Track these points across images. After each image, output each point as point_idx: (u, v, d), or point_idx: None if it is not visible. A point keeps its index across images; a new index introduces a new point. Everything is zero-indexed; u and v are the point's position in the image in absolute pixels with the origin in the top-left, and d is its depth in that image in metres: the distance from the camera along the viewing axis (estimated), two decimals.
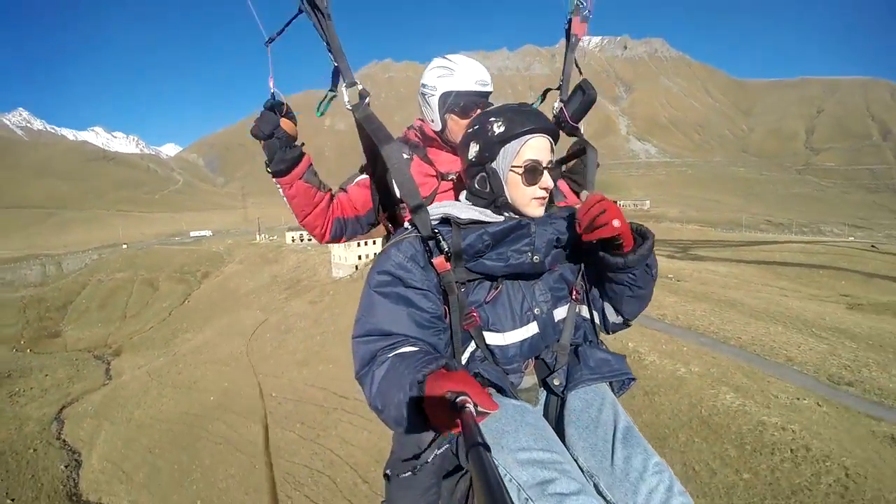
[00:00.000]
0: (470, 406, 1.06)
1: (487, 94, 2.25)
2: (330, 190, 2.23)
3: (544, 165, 1.74)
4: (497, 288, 1.78)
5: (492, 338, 1.79)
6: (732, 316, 20.43)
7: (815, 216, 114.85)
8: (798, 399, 13.78)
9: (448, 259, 1.69)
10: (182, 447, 18.47)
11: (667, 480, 1.51)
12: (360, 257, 44.14)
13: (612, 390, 1.95)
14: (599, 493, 1.55)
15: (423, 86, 2.25)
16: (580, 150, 2.27)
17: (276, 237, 71.55)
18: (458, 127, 2.17)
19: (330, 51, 1.90)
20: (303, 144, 2.06)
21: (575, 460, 1.64)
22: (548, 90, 2.61)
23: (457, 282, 1.73)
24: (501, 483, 0.75)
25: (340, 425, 16.85)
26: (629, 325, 2.05)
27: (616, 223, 1.64)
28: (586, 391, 1.85)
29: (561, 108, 2.39)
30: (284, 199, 2.11)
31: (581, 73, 2.47)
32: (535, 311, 1.82)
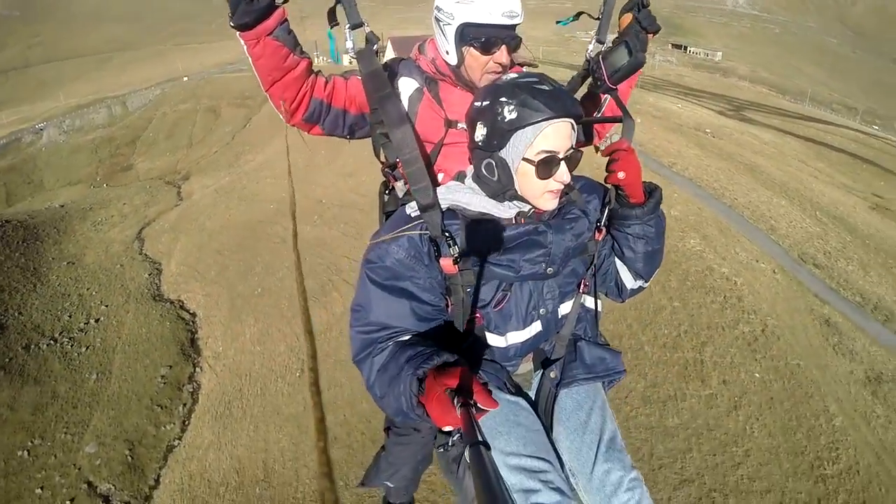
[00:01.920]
0: (471, 403, 1.10)
1: (514, 26, 2.01)
2: (308, 58, 2.02)
3: (561, 156, 1.66)
4: (506, 294, 1.80)
5: (493, 339, 1.84)
6: (744, 180, 20.09)
7: (892, 109, 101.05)
8: (756, 261, 14.49)
9: (456, 262, 1.67)
10: (246, 248, 20.95)
11: (637, 496, 1.65)
12: None
13: (603, 384, 2.08)
14: (574, 489, 1.74)
15: (438, 9, 2.01)
16: (616, 119, 2.04)
17: (329, 60, 71.62)
18: (476, 63, 2.02)
19: None
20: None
21: (559, 457, 1.79)
22: (582, 13, 2.37)
23: (462, 284, 1.72)
24: (501, 482, 0.77)
25: (377, 224, 18.75)
26: (644, 289, 2.12)
27: (621, 175, 1.76)
28: (579, 391, 1.96)
29: (599, 61, 2.12)
30: (248, 58, 1.91)
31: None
32: (541, 310, 1.87)
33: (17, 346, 17.54)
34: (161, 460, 13.68)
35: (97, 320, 19.45)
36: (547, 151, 1.63)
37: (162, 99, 62.00)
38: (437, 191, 1.78)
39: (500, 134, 1.63)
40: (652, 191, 1.91)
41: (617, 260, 2.07)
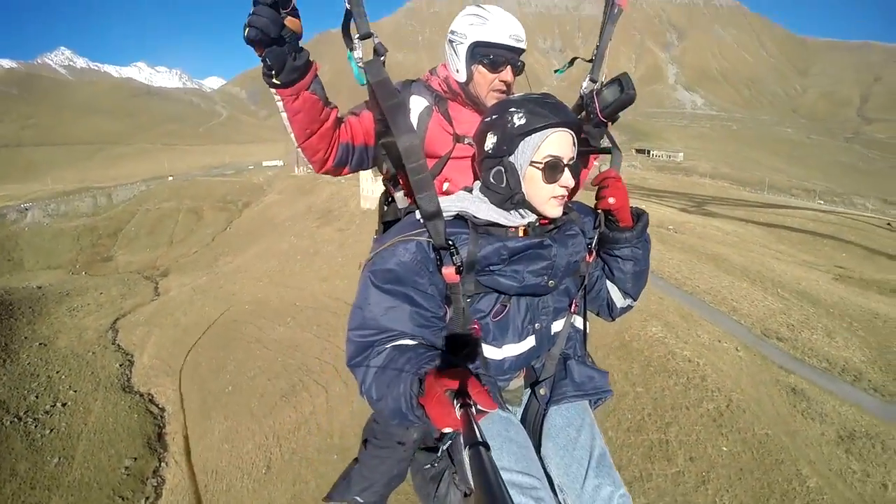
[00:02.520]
0: (471, 405, 1.09)
1: (520, 51, 2.08)
2: (336, 107, 2.02)
3: (566, 162, 1.70)
4: (505, 306, 1.81)
5: (489, 351, 1.83)
6: (705, 269, 21.04)
7: (854, 187, 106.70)
8: (719, 341, 14.74)
9: (459, 272, 1.65)
10: (220, 346, 21.70)
11: None
12: None
13: (590, 402, 2.09)
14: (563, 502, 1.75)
15: (453, 32, 2.11)
16: (605, 150, 2.14)
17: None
18: (484, 81, 2.08)
19: None
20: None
21: (548, 474, 1.79)
22: (576, 59, 2.47)
23: (464, 294, 1.72)
24: (501, 482, 0.78)
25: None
26: (632, 307, 2.18)
27: (611, 200, 1.85)
28: (568, 408, 1.97)
29: (592, 96, 2.17)
30: (284, 115, 1.85)
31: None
32: (536, 325, 1.89)
33: None
34: None
35: (64, 404, 19.72)
36: (552, 156, 1.67)
37: (147, 195, 63.68)
38: (446, 199, 1.78)
39: (510, 139, 1.67)
40: (639, 215, 1.99)
41: (607, 281, 2.12)
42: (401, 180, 2.16)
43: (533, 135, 1.66)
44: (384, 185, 2.27)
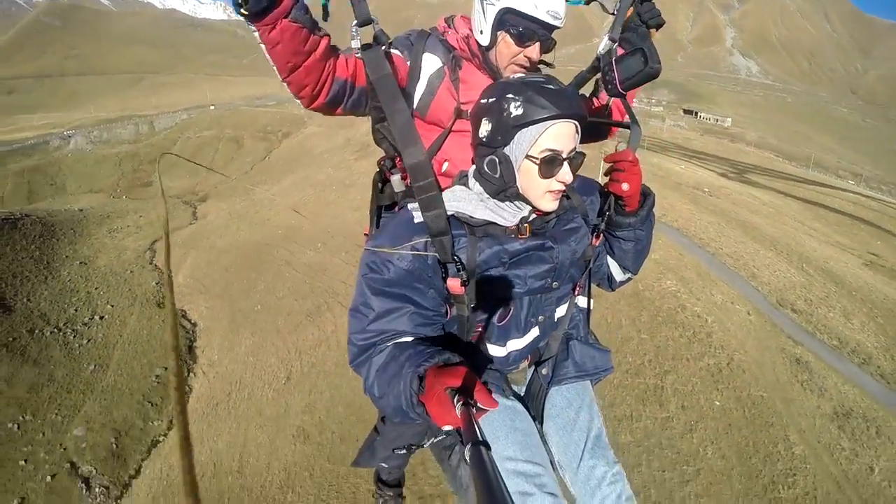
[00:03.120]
0: (471, 403, 1.11)
1: (554, 28, 1.95)
2: (328, 35, 1.85)
3: (565, 156, 1.63)
4: (508, 309, 1.81)
5: (494, 350, 1.87)
6: (733, 233, 20.34)
7: None
8: (732, 303, 14.49)
9: (464, 284, 1.65)
10: (252, 267, 21.99)
11: (618, 490, 1.76)
12: None
13: (591, 381, 2.15)
14: (562, 479, 1.83)
15: None
16: (624, 125, 2.06)
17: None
18: (508, 51, 1.96)
19: None
20: None
21: (548, 451, 1.89)
22: (593, 0, 2.27)
23: (467, 303, 1.71)
24: (501, 481, 0.77)
25: None
26: (631, 279, 2.20)
27: (625, 186, 1.79)
28: (568, 389, 2.04)
29: (612, 64, 2.02)
30: (262, 47, 1.71)
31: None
32: (540, 317, 1.91)
33: (21, 329, 18.41)
34: (145, 452, 14.37)
35: (101, 317, 20.38)
36: (551, 150, 1.61)
37: (188, 123, 64.39)
38: (443, 197, 1.72)
39: (505, 130, 1.60)
40: (646, 196, 1.94)
41: (608, 256, 2.13)
42: (398, 164, 2.06)
43: (530, 127, 1.60)
44: (378, 166, 2.20)
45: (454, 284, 1.64)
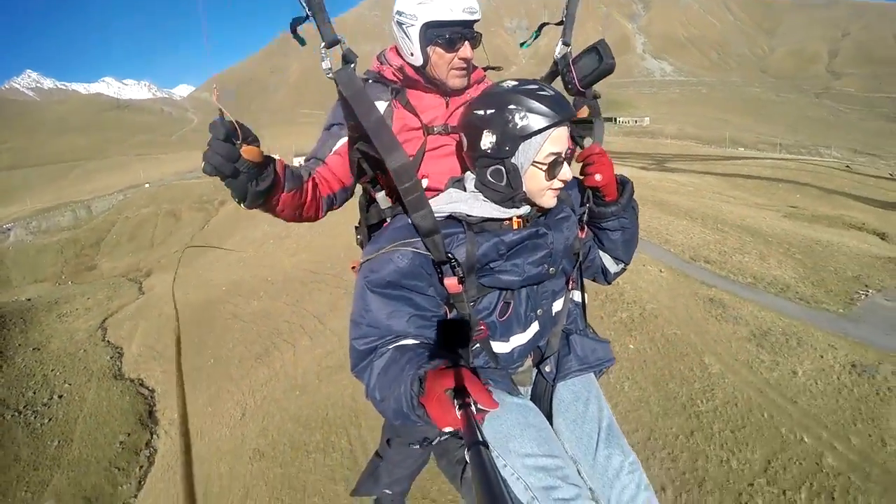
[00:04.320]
0: (471, 404, 1.12)
1: (474, 22, 2.04)
2: (309, 174, 2.06)
3: (564, 156, 1.74)
4: (509, 303, 1.86)
5: (498, 346, 1.90)
6: (648, 212, 20.46)
7: (822, 140, 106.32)
8: (643, 265, 14.56)
9: (461, 282, 1.69)
10: (201, 326, 22.92)
11: (637, 479, 1.78)
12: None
13: (595, 373, 2.17)
14: (580, 474, 1.82)
15: (400, 13, 2.02)
16: (587, 121, 2.16)
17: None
18: (442, 61, 2.05)
19: None
20: (270, 158, 1.77)
21: (562, 446, 1.89)
22: (544, 24, 2.40)
23: (467, 301, 1.75)
24: (501, 481, 0.78)
25: (313, 293, 21.20)
26: (626, 269, 2.28)
27: (598, 177, 1.90)
28: (574, 382, 2.06)
29: (569, 65, 2.20)
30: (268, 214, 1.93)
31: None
32: (538, 311, 1.96)
33: None
34: None
35: (60, 396, 20.67)
36: (554, 154, 1.69)
37: (125, 204, 64.21)
38: (436, 200, 1.78)
39: (512, 141, 1.65)
40: (624, 185, 2.02)
41: (599, 250, 2.20)
42: (380, 181, 2.10)
43: (536, 135, 1.67)
44: (363, 187, 2.23)
45: (451, 283, 1.69)
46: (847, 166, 42.88)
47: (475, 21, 2.03)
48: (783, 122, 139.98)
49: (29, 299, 35.03)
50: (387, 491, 2.58)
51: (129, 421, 18.70)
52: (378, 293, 1.67)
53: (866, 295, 12.73)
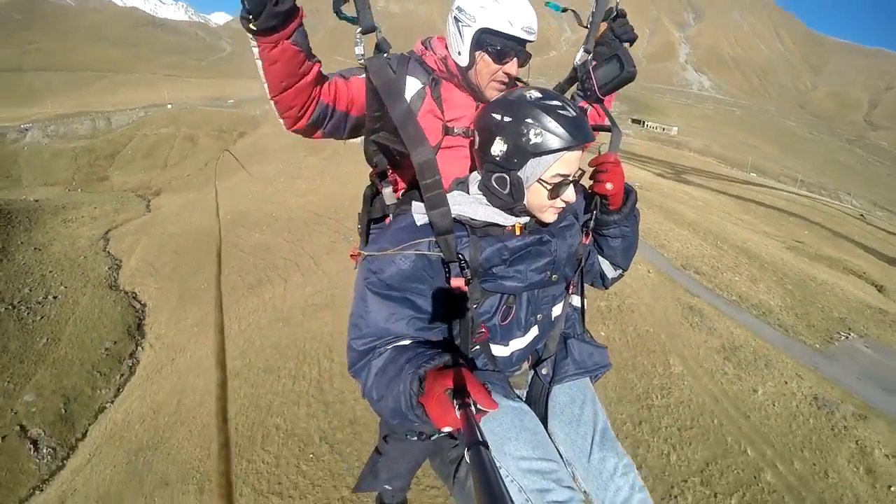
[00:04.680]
0: (471, 404, 1.11)
1: (528, 42, 2.03)
2: (319, 61, 1.93)
3: (572, 179, 1.72)
4: (510, 307, 1.84)
5: (498, 350, 1.90)
6: (653, 217, 20.52)
7: (845, 186, 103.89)
8: (633, 264, 13.69)
9: (468, 283, 1.67)
10: (200, 250, 23.27)
11: (631, 480, 1.79)
12: None
13: (591, 378, 2.16)
14: (574, 477, 1.84)
15: (460, 10, 1.99)
16: (605, 128, 2.12)
17: None
18: (487, 70, 2.03)
19: None
20: None
21: (556, 449, 1.89)
22: (570, 10, 2.39)
23: (470, 302, 1.73)
24: (500, 481, 0.78)
25: (314, 234, 21.55)
26: (623, 275, 2.27)
27: (609, 186, 1.89)
28: (570, 386, 2.06)
29: (589, 72, 2.17)
30: (259, 62, 1.75)
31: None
32: (538, 316, 1.95)
33: None
34: (92, 417, 15.16)
35: (55, 297, 21.14)
36: (562, 175, 1.67)
37: (145, 121, 64.35)
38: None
39: (522, 155, 1.64)
40: (628, 193, 2.01)
41: (598, 256, 2.19)
42: (391, 177, 2.14)
43: (547, 156, 1.64)
44: (371, 179, 2.25)
45: (458, 283, 1.66)
46: (861, 215, 42.61)
47: (530, 41, 2.02)
48: (811, 160, 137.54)
49: (37, 200, 35.45)
50: (387, 486, 2.62)
51: (118, 330, 19.13)
52: (378, 295, 1.65)
53: (847, 337, 12.83)
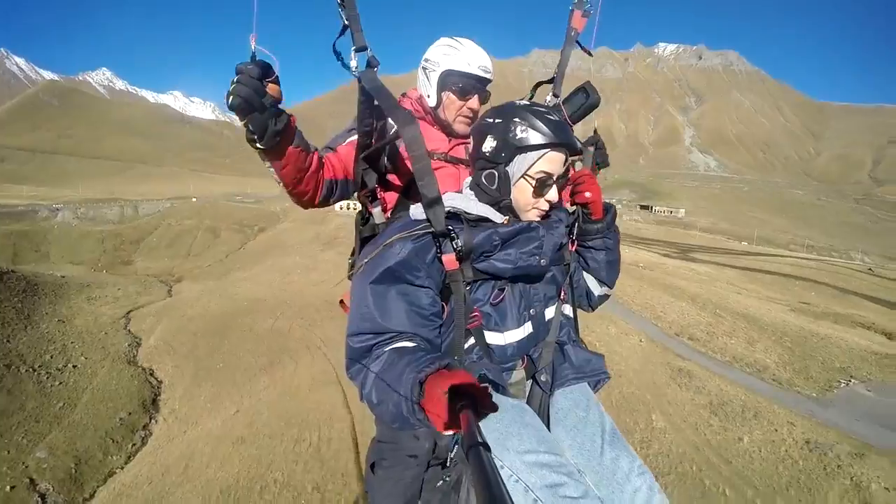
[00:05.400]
0: (470, 406, 1.11)
1: (487, 81, 2.30)
2: (316, 150, 2.19)
3: (554, 179, 1.84)
4: (503, 290, 1.90)
5: (492, 337, 1.91)
6: (653, 293, 21.26)
7: (854, 244, 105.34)
8: (625, 334, 15.08)
9: (459, 257, 1.74)
10: (217, 332, 24.72)
11: (649, 481, 1.70)
12: None
13: (590, 385, 2.16)
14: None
15: (426, 60, 2.32)
16: (577, 151, 2.13)
17: None
18: (453, 106, 2.31)
19: (342, 3, 1.84)
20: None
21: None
22: (539, 84, 2.68)
23: (463, 280, 1.79)
24: (501, 483, 0.78)
25: (325, 319, 23.25)
26: (609, 296, 2.39)
27: (587, 194, 2.08)
28: (572, 391, 2.06)
29: (559, 105, 2.46)
30: (271, 169, 2.01)
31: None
32: (531, 311, 2.01)
33: None
34: (101, 480, 15.82)
35: (74, 366, 22.41)
36: (545, 173, 1.79)
37: (170, 211, 67.81)
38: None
39: (509, 149, 1.77)
40: (608, 208, 2.17)
41: (584, 272, 2.32)
42: (380, 196, 2.30)
43: (531, 150, 1.79)
44: (360, 201, 2.35)
45: (450, 259, 1.73)
46: (869, 269, 43.11)
47: (488, 80, 2.31)
48: (820, 225, 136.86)
49: (63, 276, 37.25)
50: None
51: (133, 402, 20.30)
52: (375, 291, 1.69)
53: (847, 384, 12.84)
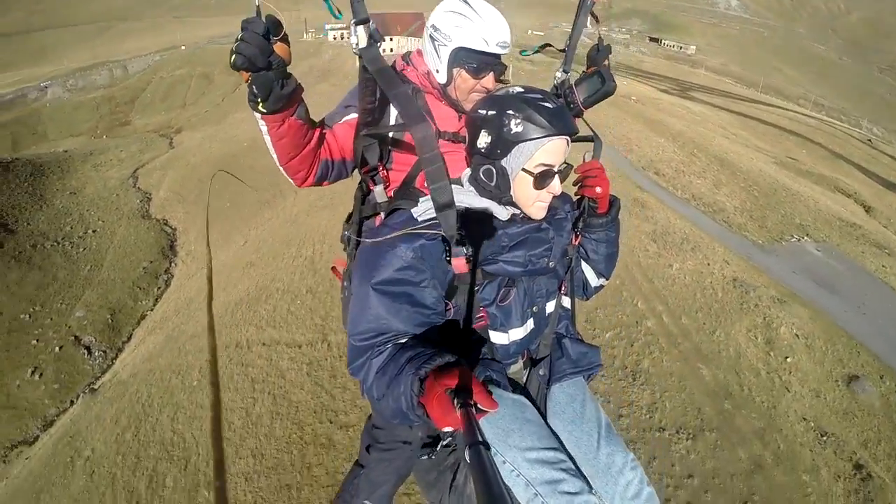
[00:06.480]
0: (471, 404, 1.11)
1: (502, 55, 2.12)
2: (319, 126, 2.08)
3: (556, 169, 1.77)
4: (508, 290, 1.88)
5: (497, 337, 1.91)
6: (634, 126, 20.66)
7: (867, 113, 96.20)
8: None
9: (469, 261, 1.69)
10: (222, 175, 24.91)
11: (639, 475, 1.79)
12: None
13: (585, 377, 2.20)
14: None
15: (435, 28, 2.07)
16: (587, 139, 2.14)
17: (320, 35, 74.29)
18: (465, 86, 2.11)
19: None
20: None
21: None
22: (547, 45, 2.53)
23: (471, 283, 1.76)
24: (501, 481, 0.79)
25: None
26: (604, 286, 2.37)
27: (598, 189, 1.99)
28: (569, 385, 2.10)
29: (572, 87, 2.31)
30: (267, 137, 1.89)
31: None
32: (534, 308, 1.99)
33: (25, 244, 21.23)
34: (135, 324, 17.29)
35: (94, 231, 23.27)
36: (545, 165, 1.72)
37: (160, 64, 65.53)
38: None
39: (505, 144, 1.70)
40: (612, 202, 2.11)
41: (583, 262, 2.27)
42: (381, 174, 2.16)
43: (528, 143, 1.70)
44: (362, 177, 2.24)
45: (460, 263, 1.67)
46: (869, 140, 40.95)
47: (505, 54, 2.12)
48: (836, 86, 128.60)
49: (66, 151, 37.11)
50: (367, 502, 2.51)
51: (153, 251, 21.23)
52: (378, 291, 1.65)
53: (799, 240, 12.71)
